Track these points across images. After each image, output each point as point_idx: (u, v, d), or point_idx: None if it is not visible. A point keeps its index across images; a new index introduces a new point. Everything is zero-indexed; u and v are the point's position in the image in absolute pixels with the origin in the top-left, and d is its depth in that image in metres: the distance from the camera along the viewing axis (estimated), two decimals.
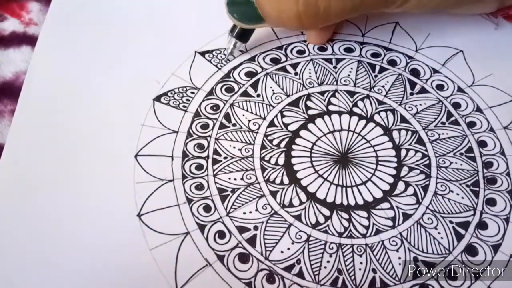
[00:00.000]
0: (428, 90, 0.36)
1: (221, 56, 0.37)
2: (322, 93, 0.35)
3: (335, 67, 0.37)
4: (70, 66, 0.36)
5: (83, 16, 0.39)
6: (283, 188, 0.31)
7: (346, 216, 0.30)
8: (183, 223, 0.29)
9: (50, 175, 0.31)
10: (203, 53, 0.37)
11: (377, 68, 0.37)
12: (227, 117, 0.34)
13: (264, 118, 0.34)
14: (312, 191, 0.31)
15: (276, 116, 0.34)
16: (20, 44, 0.37)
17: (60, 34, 0.38)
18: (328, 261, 0.28)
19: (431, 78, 0.36)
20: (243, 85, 0.35)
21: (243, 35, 0.35)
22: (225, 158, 0.32)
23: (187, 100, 0.34)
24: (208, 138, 0.33)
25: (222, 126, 0.33)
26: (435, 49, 0.38)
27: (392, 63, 0.37)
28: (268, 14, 0.30)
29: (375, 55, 0.38)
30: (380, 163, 0.32)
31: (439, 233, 0.29)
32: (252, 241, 0.29)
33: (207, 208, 0.30)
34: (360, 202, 0.30)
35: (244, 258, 0.28)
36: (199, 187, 0.31)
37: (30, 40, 0.37)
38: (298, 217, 0.30)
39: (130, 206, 0.29)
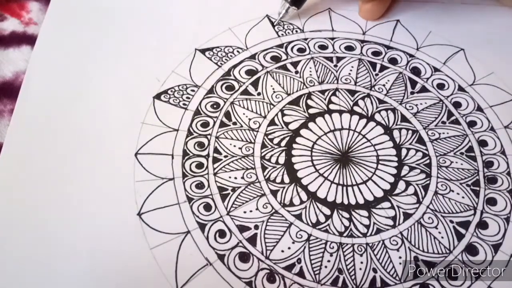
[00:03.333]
0: (428, 89, 0.36)
1: (278, 24, 0.39)
2: (322, 91, 0.35)
3: (335, 66, 0.37)
4: (69, 65, 0.36)
5: (83, 15, 0.39)
6: (284, 187, 0.31)
7: (346, 215, 0.30)
8: (183, 222, 0.29)
9: (49, 174, 0.30)
10: (203, 51, 0.37)
11: (378, 66, 0.37)
12: (227, 115, 0.34)
13: (265, 117, 0.34)
14: (312, 190, 0.31)
15: (276, 114, 0.34)
16: (20, 44, 0.37)
17: (60, 33, 0.38)
18: (328, 261, 0.28)
19: (432, 77, 0.36)
20: (244, 83, 0.35)
21: (297, 0, 0.37)
22: (225, 156, 0.32)
23: (187, 98, 0.34)
24: (209, 137, 0.33)
25: (222, 124, 0.33)
26: (436, 47, 0.38)
27: (393, 61, 0.37)
28: None
29: (376, 53, 0.37)
30: (380, 162, 0.32)
31: (439, 232, 0.29)
32: (252, 240, 0.29)
33: (207, 207, 0.30)
34: (361, 201, 0.30)
35: (244, 257, 0.28)
36: (200, 185, 0.31)
37: (30, 40, 0.37)
38: (298, 216, 0.30)
39: (130, 205, 0.29)
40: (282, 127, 0.33)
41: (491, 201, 0.31)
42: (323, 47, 0.38)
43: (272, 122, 0.34)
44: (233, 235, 0.29)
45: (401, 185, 0.31)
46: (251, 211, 0.30)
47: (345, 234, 0.29)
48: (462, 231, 0.29)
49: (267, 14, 0.39)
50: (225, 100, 0.34)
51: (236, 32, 0.38)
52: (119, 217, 0.29)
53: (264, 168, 0.31)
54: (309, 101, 0.35)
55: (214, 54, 0.37)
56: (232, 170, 0.31)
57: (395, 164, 0.32)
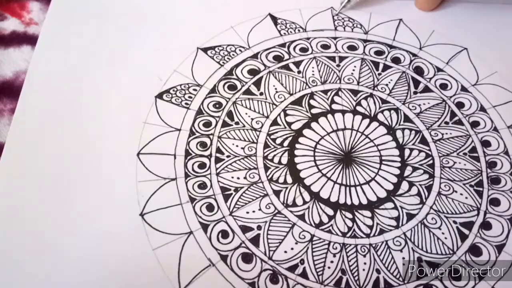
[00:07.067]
0: (431, 89, 0.36)
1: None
2: (325, 91, 0.35)
3: (338, 65, 0.36)
4: (70, 64, 0.35)
5: (84, 15, 0.39)
6: (287, 188, 0.31)
7: (349, 215, 0.30)
8: (186, 222, 0.29)
9: (51, 174, 0.30)
10: (205, 50, 0.37)
11: (381, 66, 0.37)
12: (230, 115, 0.34)
13: (267, 117, 0.34)
14: (315, 190, 0.31)
15: (279, 114, 0.34)
16: (21, 44, 0.37)
17: (61, 32, 0.37)
18: (331, 261, 0.28)
19: (435, 77, 0.36)
20: (246, 83, 0.35)
21: None
22: (228, 156, 0.32)
23: (190, 97, 0.34)
24: (211, 136, 0.33)
25: (225, 124, 0.33)
26: (439, 46, 0.38)
27: (396, 60, 0.37)
28: None
29: (379, 52, 0.37)
30: (383, 162, 0.32)
31: (443, 233, 0.29)
32: (255, 240, 0.29)
33: (210, 207, 0.30)
34: (364, 201, 0.30)
35: (247, 258, 0.28)
36: (202, 186, 0.30)
37: (30, 40, 0.37)
38: (301, 217, 0.30)
39: (132, 205, 0.29)
40: (285, 127, 0.33)
41: (495, 202, 0.31)
42: (325, 47, 0.37)
43: (274, 122, 0.33)
44: (236, 236, 0.29)
45: (404, 185, 0.31)
46: (254, 211, 0.30)
47: (348, 235, 0.29)
48: (466, 231, 0.29)
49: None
50: (228, 99, 0.34)
51: (238, 30, 0.38)
52: (121, 218, 0.29)
53: (266, 168, 0.31)
54: (311, 101, 0.35)
55: (216, 53, 0.36)
56: (235, 170, 0.31)
57: (398, 164, 0.32)
